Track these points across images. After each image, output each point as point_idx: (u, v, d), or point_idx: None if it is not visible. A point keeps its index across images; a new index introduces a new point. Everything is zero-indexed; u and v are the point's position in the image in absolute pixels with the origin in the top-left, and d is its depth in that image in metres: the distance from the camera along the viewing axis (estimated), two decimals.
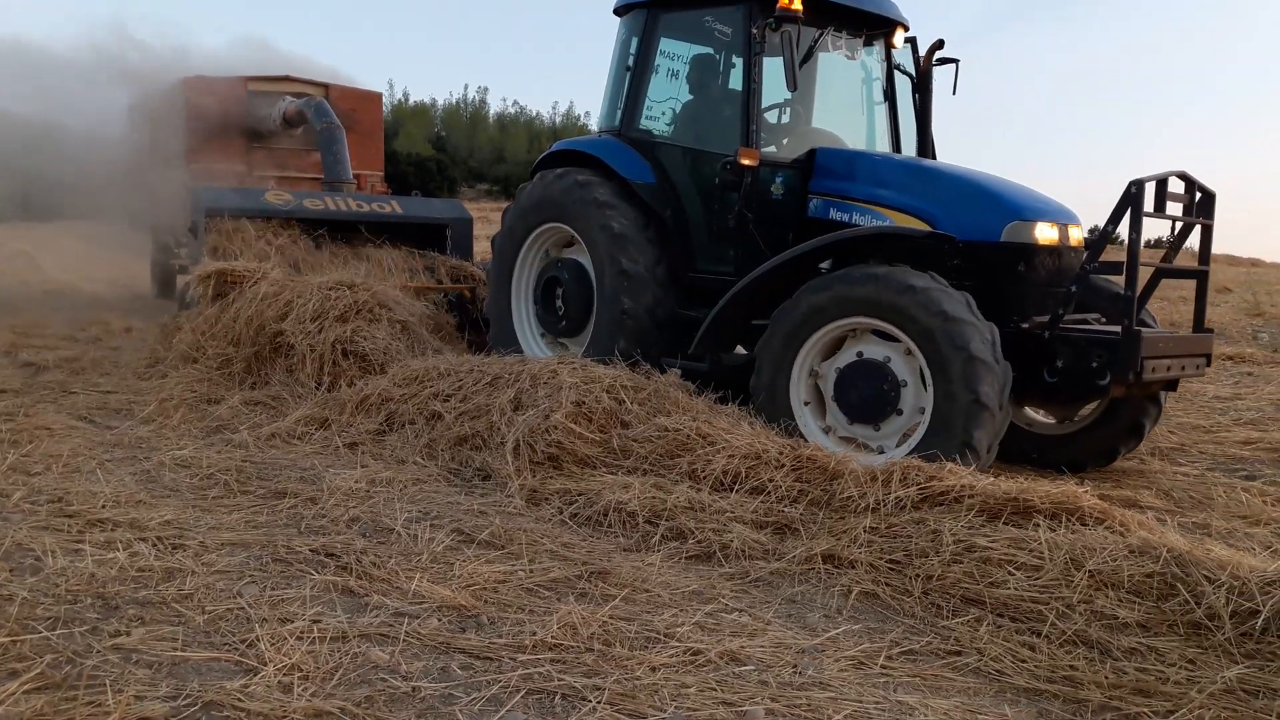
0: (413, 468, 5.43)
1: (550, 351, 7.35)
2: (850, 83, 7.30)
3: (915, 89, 7.37)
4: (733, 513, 4.49)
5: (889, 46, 7.19)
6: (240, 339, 7.27)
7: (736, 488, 4.71)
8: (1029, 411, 6.55)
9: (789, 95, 6.82)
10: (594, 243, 6.93)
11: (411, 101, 50.72)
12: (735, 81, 6.98)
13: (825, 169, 6.59)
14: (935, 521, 4.13)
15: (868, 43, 7.09)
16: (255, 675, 2.98)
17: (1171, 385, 6.07)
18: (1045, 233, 5.83)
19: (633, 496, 4.61)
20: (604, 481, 4.86)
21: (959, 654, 3.45)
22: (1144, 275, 5.69)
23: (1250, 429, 7.27)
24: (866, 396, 5.49)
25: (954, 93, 7.31)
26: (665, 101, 7.27)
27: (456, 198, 36.25)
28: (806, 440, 5.39)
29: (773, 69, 6.50)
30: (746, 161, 6.28)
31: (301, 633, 3.28)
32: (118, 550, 3.95)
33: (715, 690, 3.03)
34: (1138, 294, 5.44)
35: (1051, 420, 6.56)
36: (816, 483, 4.65)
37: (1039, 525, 3.99)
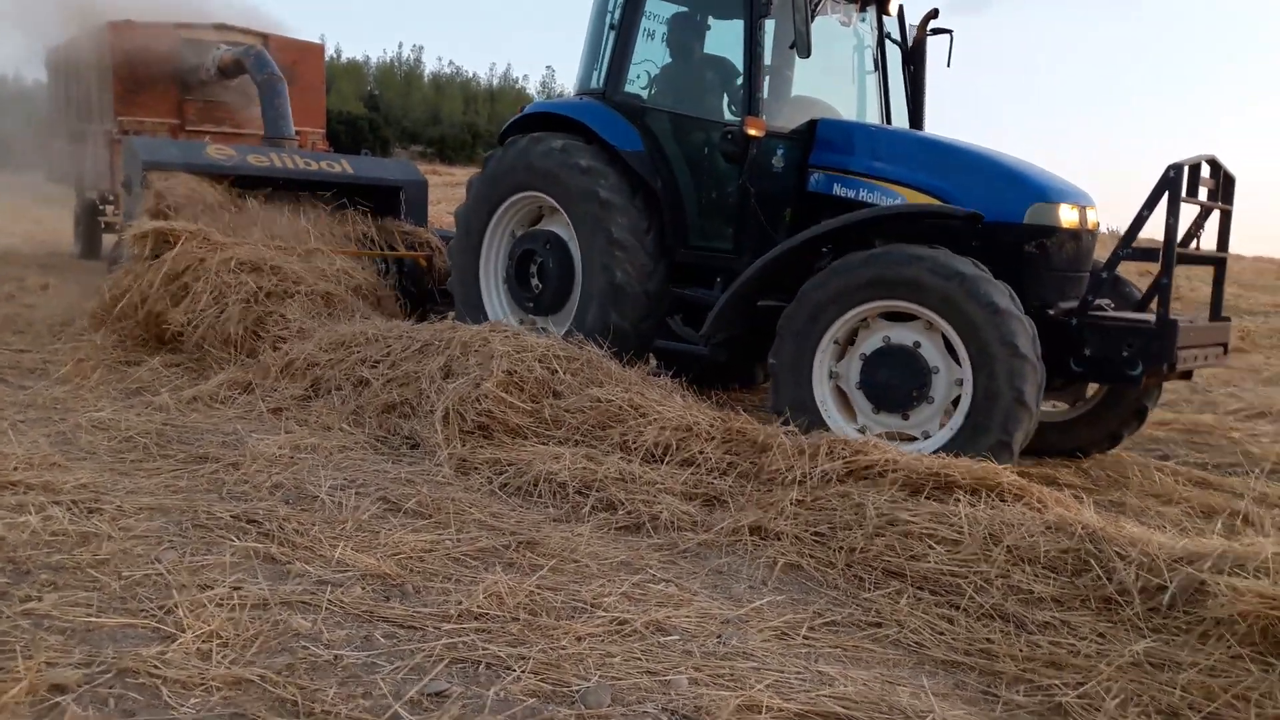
0: (339, 434, 5.35)
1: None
2: (840, 51, 6.98)
3: (906, 59, 7.12)
4: (663, 484, 4.51)
5: (882, 13, 6.94)
6: (143, 320, 7.03)
7: (667, 459, 4.73)
8: None
9: (769, 62, 6.50)
10: (579, 213, 6.49)
11: (344, 58, 49.76)
12: (722, 45, 6.74)
13: (827, 141, 6.27)
14: (859, 495, 4.20)
15: (861, 8, 6.84)
16: (173, 642, 2.93)
17: (1186, 375, 5.85)
18: (1068, 215, 5.64)
19: (563, 467, 4.60)
20: (535, 451, 4.84)
21: (879, 625, 3.52)
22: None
23: (1165, 410, 7.47)
24: (891, 384, 5.29)
25: (948, 65, 7.06)
26: (642, 64, 6.90)
27: (389, 156, 35.59)
28: (820, 412, 5.32)
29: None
30: (753, 132, 6.01)
31: (221, 600, 3.23)
32: (30, 514, 3.83)
33: (640, 660, 3.05)
34: (1171, 281, 5.22)
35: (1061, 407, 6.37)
36: (746, 455, 4.69)
37: (959, 500, 4.07)
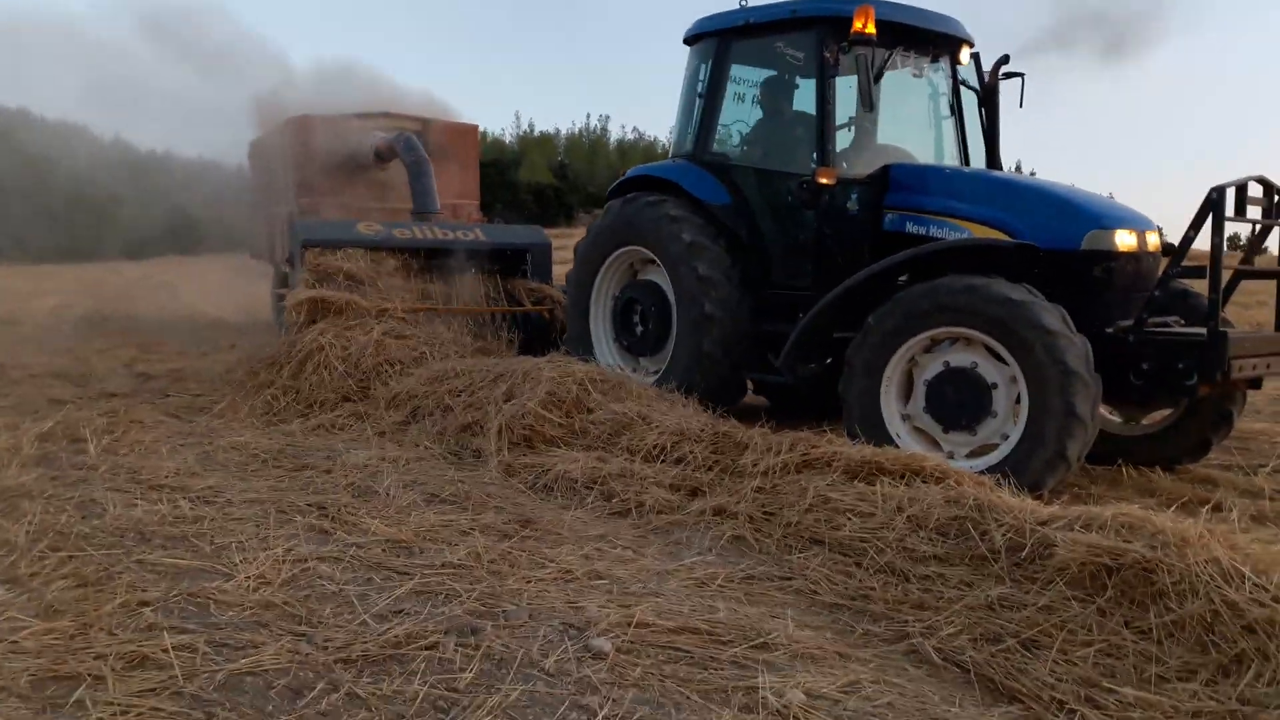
0: (421, 450, 6.47)
1: (628, 369, 7.89)
2: (917, 99, 7.58)
3: (981, 103, 7.66)
4: (655, 478, 5.38)
5: (954, 63, 7.49)
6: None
7: (663, 458, 5.59)
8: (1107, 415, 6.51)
9: (853, 114, 7.22)
10: (671, 259, 7.36)
11: (537, 131, 52.55)
12: (803, 103, 7.47)
13: (899, 184, 6.83)
14: (806, 481, 4.93)
15: (934, 60, 7.39)
16: (229, 580, 4.03)
17: (1255, 383, 6.20)
18: (1124, 239, 5.97)
19: (578, 467, 5.54)
20: (561, 456, 5.80)
21: (790, 579, 4.27)
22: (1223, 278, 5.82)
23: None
24: (957, 402, 5.72)
25: (1020, 106, 7.60)
26: (733, 124, 7.76)
27: (572, 223, 37.48)
28: (894, 441, 5.74)
29: (841, 88, 6.91)
30: (824, 180, 6.66)
31: (274, 556, 4.32)
32: (162, 504, 5.09)
33: (568, 595, 3.93)
34: (1219, 296, 5.52)
35: (1118, 420, 6.69)
36: (729, 453, 5.49)
37: (884, 482, 4.75)
